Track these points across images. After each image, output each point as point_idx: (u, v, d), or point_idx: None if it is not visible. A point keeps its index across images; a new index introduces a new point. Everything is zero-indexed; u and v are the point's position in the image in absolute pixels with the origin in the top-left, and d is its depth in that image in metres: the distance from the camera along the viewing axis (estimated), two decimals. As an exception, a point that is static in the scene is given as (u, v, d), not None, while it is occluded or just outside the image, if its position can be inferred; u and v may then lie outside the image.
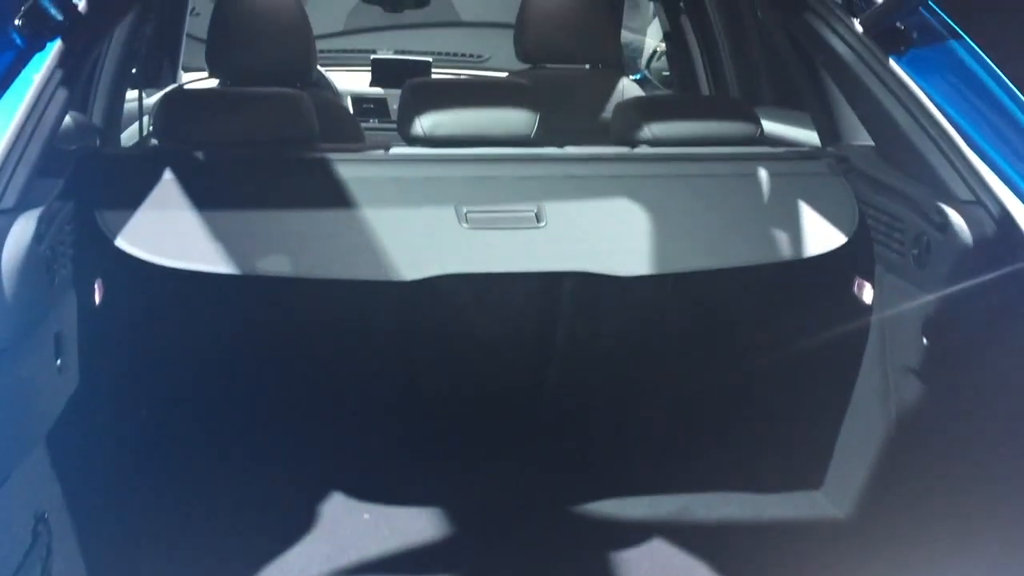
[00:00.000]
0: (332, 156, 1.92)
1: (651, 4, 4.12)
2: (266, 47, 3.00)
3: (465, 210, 1.86)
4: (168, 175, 1.85)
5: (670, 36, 3.54)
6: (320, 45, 4.96)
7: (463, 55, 4.92)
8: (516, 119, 2.09)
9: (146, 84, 4.09)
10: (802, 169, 2.14)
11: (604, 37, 3.33)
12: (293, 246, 1.80)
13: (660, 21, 3.62)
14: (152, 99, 3.82)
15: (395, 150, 2.05)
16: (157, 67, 3.94)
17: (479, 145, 2.06)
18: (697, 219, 2.00)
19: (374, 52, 4.88)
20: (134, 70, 4.36)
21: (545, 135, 3.32)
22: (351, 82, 4.58)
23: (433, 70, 4.62)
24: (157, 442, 2.18)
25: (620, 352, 2.19)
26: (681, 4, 3.42)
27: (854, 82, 2.07)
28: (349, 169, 1.90)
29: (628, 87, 3.38)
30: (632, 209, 1.97)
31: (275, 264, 1.77)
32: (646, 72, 4.83)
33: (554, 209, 1.90)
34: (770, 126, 3.12)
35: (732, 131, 2.21)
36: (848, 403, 2.10)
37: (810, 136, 2.61)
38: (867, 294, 2.04)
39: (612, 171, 2.04)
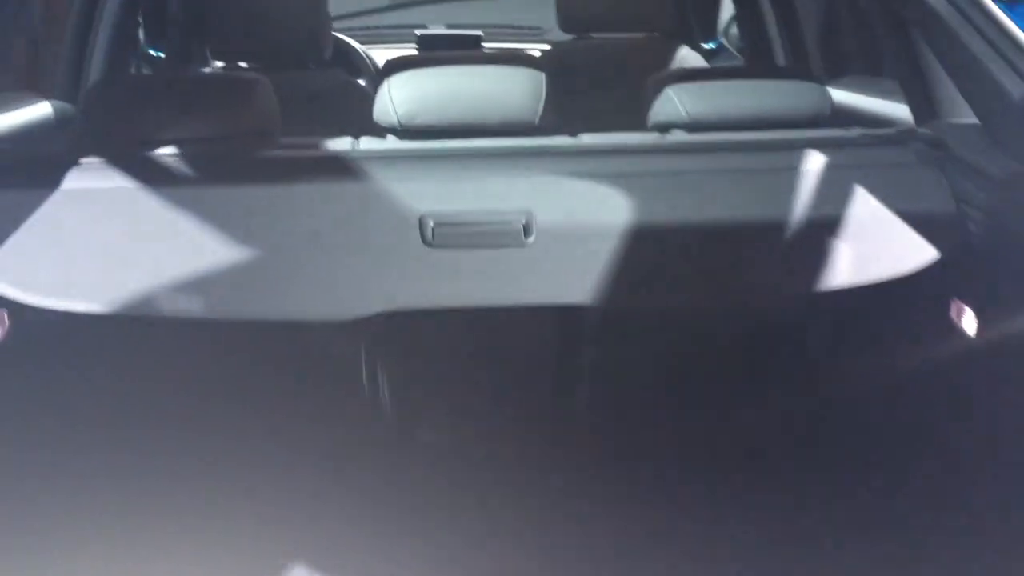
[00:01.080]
0: (278, 156, 1.55)
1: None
2: (268, 24, 2.65)
3: (432, 223, 1.46)
4: (64, 186, 1.50)
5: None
6: (366, 21, 4.66)
7: (518, 28, 4.51)
8: (515, 102, 1.67)
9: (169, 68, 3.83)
10: (882, 158, 1.65)
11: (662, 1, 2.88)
12: (200, 278, 1.43)
13: (727, -21, 3.13)
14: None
15: (364, 144, 1.66)
16: (184, 49, 3.63)
17: (468, 136, 1.65)
18: (743, 231, 1.55)
19: (424, 27, 4.52)
20: (156, 52, 4.12)
21: (576, 119, 2.86)
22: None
23: (484, 44, 4.24)
24: None
25: (641, 408, 1.73)
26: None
27: (954, 43, 1.60)
28: (294, 173, 1.52)
29: (689, 59, 2.92)
30: (657, 218, 1.53)
31: (173, 302, 1.40)
32: (722, 39, 4.32)
33: (549, 220, 1.48)
34: (848, 99, 2.62)
35: (790, 110, 1.74)
36: (938, 465, 1.61)
37: (899, 111, 2.12)
38: (968, 322, 1.55)
39: (631, 166, 1.60)
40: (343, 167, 1.54)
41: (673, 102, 1.75)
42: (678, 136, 1.74)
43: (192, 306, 1.39)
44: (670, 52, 2.92)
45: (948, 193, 1.59)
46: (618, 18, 2.88)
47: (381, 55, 4.27)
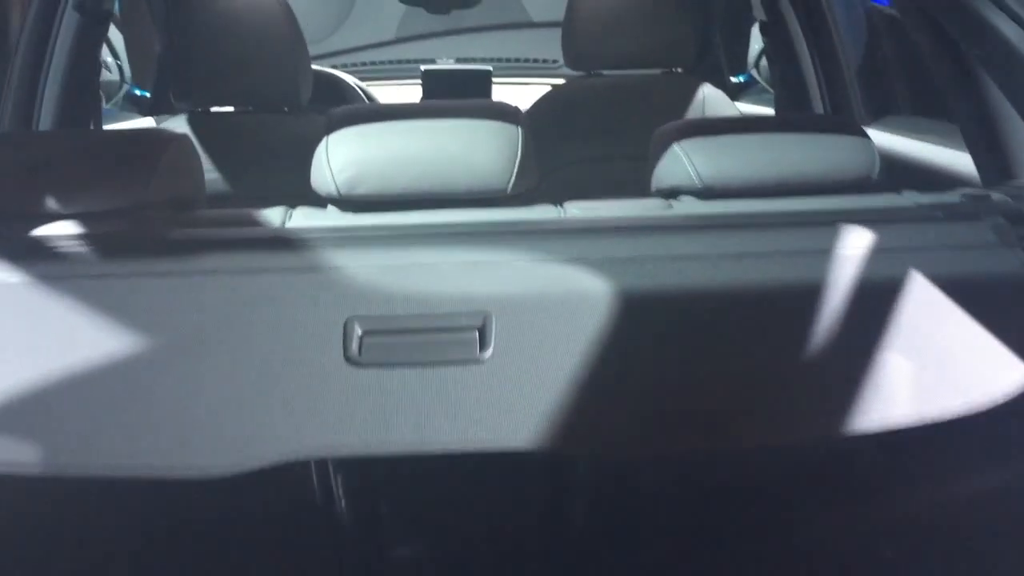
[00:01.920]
0: (173, 238, 1.21)
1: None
2: (237, 67, 2.34)
3: (359, 331, 1.11)
4: None
5: (768, 27, 2.71)
6: (370, 56, 4.38)
7: (531, 60, 4.21)
8: (482, 166, 1.34)
9: (154, 109, 3.56)
10: (947, 238, 1.28)
11: (678, 32, 2.53)
12: (56, 422, 1.08)
13: (754, 8, 2.79)
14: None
15: (295, 218, 1.33)
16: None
17: (423, 207, 1.32)
18: (765, 341, 1.17)
19: (432, 62, 4.23)
20: (141, 92, 3.85)
21: (580, 169, 2.50)
22: (401, 98, 3.94)
23: (494, 80, 3.93)
24: None
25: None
26: (779, -13, 2.58)
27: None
28: (189, 260, 1.18)
29: (713, 98, 2.57)
30: (654, 324, 1.16)
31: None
32: (753, 72, 3.97)
33: (513, 325, 1.12)
34: (893, 145, 2.26)
35: (827, 171, 1.39)
36: None
37: (958, 163, 1.76)
38: None
39: (626, 249, 1.24)
40: (255, 252, 1.20)
41: (681, 161, 1.40)
42: (687, 205, 1.39)
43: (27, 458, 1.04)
44: (691, 90, 2.58)
45: None
46: (632, 53, 2.54)
47: (385, 92, 3.99)
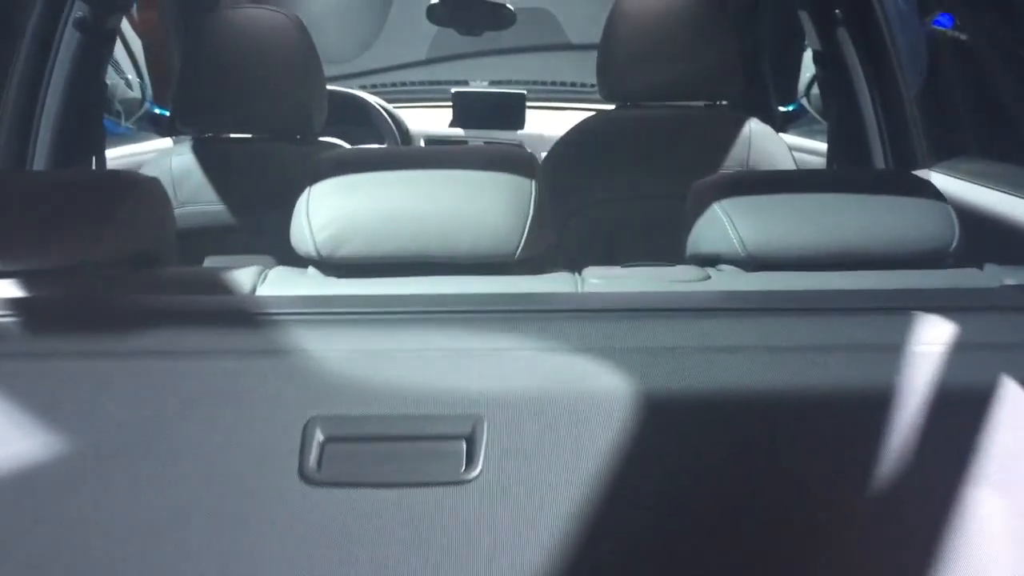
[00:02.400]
0: (118, 307, 1.03)
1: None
2: (244, 92, 2.18)
3: (320, 438, 0.90)
4: None
5: (822, 56, 2.49)
6: (401, 76, 4.21)
7: (568, 84, 4.01)
8: (484, 226, 1.14)
9: (172, 130, 3.42)
10: None
11: (722, 62, 2.32)
12: None
13: (808, 36, 2.57)
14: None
15: (268, 281, 1.14)
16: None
17: (415, 273, 1.13)
18: (819, 464, 0.93)
19: (465, 83, 4.06)
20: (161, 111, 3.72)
21: (608, 216, 2.32)
22: (430, 121, 3.76)
23: (529, 104, 3.75)
24: None
25: None
26: (837, 12, 2.36)
27: None
28: (132, 341, 0.98)
29: (758, 133, 2.36)
30: (683, 437, 0.93)
31: None
32: (803, 102, 3.74)
33: (508, 435, 0.90)
34: (968, 195, 2.02)
35: (896, 241, 1.17)
36: None
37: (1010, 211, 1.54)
38: None
39: (651, 338, 0.99)
40: (207, 329, 1.00)
41: (722, 225, 1.19)
42: (728, 278, 1.18)
43: None
44: (736, 125, 2.37)
45: None
46: (672, 84, 2.34)
47: (415, 115, 3.82)
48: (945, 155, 2.35)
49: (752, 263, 1.18)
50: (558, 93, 4.07)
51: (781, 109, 3.65)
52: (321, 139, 3.49)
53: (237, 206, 2.25)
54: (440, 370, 0.95)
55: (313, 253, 1.15)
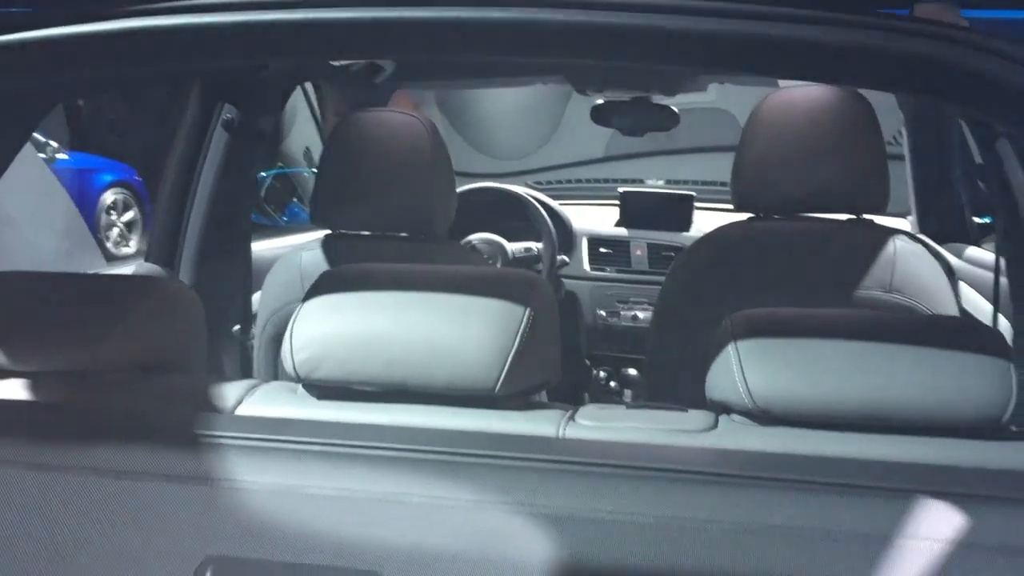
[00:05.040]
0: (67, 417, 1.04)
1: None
2: (369, 191, 2.25)
3: None
4: None
5: (985, 170, 2.24)
6: (574, 174, 4.23)
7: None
8: (460, 357, 1.08)
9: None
10: None
11: (865, 171, 2.14)
12: None
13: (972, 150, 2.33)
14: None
15: (256, 398, 1.12)
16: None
17: (391, 400, 1.08)
18: None
19: (641, 182, 4.03)
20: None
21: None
22: (597, 220, 3.74)
23: (699, 205, 3.66)
24: None
25: None
26: (1000, 129, 2.12)
27: None
28: (75, 455, 0.99)
29: (904, 251, 2.15)
30: None
31: None
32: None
33: None
34: None
35: (936, 404, 0.99)
36: None
37: None
38: None
39: (611, 503, 0.89)
40: (154, 448, 0.97)
41: (731, 368, 1.07)
42: (735, 430, 1.05)
43: None
44: (879, 241, 2.17)
45: None
46: (809, 197, 2.18)
47: (584, 212, 3.82)
48: None
49: (763, 417, 1.05)
50: (721, 193, 3.96)
51: (976, 220, 3.34)
52: (475, 235, 3.54)
53: None
54: (351, 516, 0.90)
55: (292, 373, 1.13)
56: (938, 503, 0.87)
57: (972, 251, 3.13)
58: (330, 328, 1.13)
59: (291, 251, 2.44)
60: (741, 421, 1.08)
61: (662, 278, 3.59)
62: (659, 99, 3.20)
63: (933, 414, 1.00)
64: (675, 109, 3.19)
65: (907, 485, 0.91)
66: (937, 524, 0.86)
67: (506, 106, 4.26)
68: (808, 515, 0.89)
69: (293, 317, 1.15)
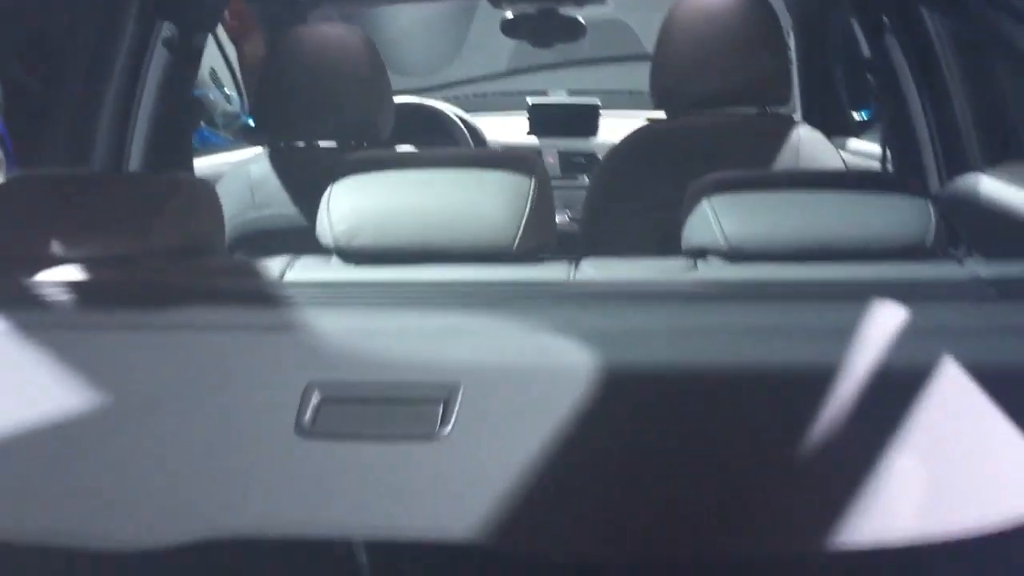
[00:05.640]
0: (157, 283, 1.18)
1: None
2: (314, 103, 2.36)
3: (317, 400, 1.02)
4: None
5: (872, 65, 2.52)
6: (481, 88, 4.37)
7: (644, 93, 4.09)
8: (482, 220, 1.26)
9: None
10: (996, 320, 1.11)
11: (772, 68, 2.38)
12: None
13: (861, 41, 2.60)
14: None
15: (296, 269, 1.28)
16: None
17: (423, 262, 1.26)
18: (765, 434, 1.03)
19: (544, 93, 4.19)
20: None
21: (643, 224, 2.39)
22: (507, 130, 3.90)
23: (604, 112, 3.85)
24: None
25: None
26: (885, 19, 2.39)
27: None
28: (163, 316, 1.14)
29: (807, 140, 2.41)
30: (644, 407, 1.02)
31: None
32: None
33: (483, 401, 1.02)
34: (1015, 199, 2.04)
35: (872, 235, 1.23)
36: None
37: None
38: None
39: (625, 320, 1.11)
40: (229, 307, 1.16)
41: (708, 219, 1.28)
42: (713, 268, 1.27)
43: None
44: (784, 132, 2.42)
45: None
46: (722, 91, 2.40)
47: (494, 123, 3.96)
48: (999, 158, 2.35)
49: (735, 255, 1.27)
50: (634, 102, 4.15)
51: (855, 116, 3.66)
52: (397, 147, 3.66)
53: (307, 210, 2.43)
54: (425, 344, 1.08)
55: (331, 243, 1.29)
56: (880, 303, 1.12)
57: (855, 143, 3.44)
58: (364, 202, 1.29)
59: (239, 165, 2.54)
60: (715, 262, 1.30)
61: (574, 182, 3.81)
62: (566, 11, 3.35)
63: (873, 243, 1.24)
64: (582, 20, 3.36)
65: (844, 293, 1.15)
66: (879, 320, 1.10)
67: (413, 23, 4.35)
68: (783, 319, 1.11)
69: (326, 198, 1.30)
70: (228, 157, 3.42)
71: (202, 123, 6.45)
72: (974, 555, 0.91)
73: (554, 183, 3.94)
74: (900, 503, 0.91)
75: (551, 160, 3.80)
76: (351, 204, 1.29)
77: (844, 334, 1.07)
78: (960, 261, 1.25)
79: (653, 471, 0.98)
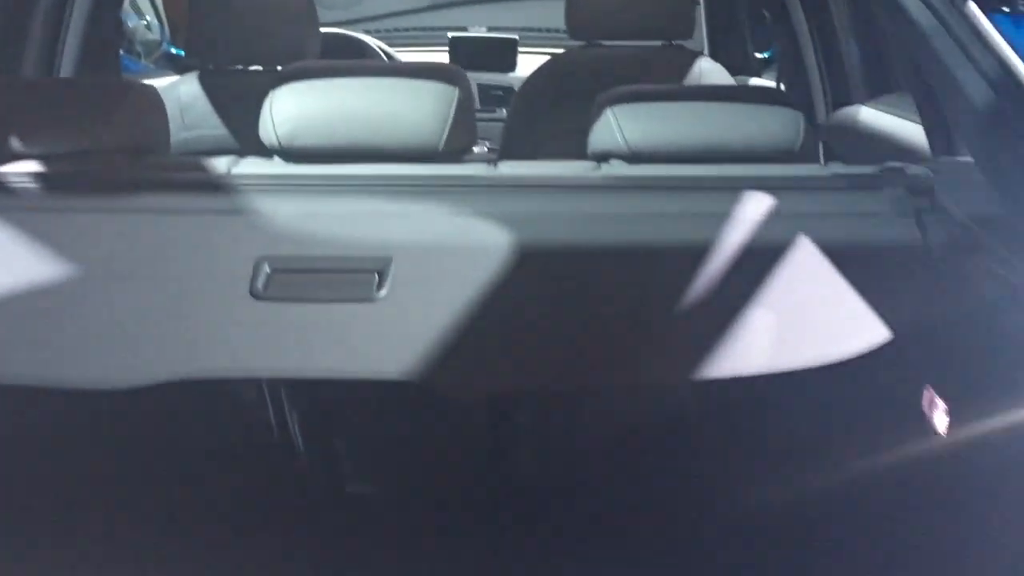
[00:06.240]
0: (122, 177, 1.32)
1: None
2: (242, 28, 2.46)
3: (268, 270, 1.21)
4: None
5: (770, 6, 2.73)
6: (403, 23, 4.47)
7: (559, 31, 4.25)
8: (413, 123, 1.42)
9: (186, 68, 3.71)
10: (844, 207, 1.34)
11: (678, 4, 2.58)
12: None
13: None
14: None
15: (240, 166, 1.42)
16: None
17: (358, 160, 1.41)
18: (650, 294, 1.25)
19: (464, 29, 4.31)
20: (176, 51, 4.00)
21: (558, 138, 2.57)
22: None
23: (523, 49, 4.00)
24: None
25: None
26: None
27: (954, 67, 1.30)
28: (124, 197, 1.29)
29: (707, 71, 2.61)
30: (552, 277, 1.24)
31: None
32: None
33: (411, 271, 1.21)
34: (881, 123, 2.28)
35: (750, 141, 1.43)
36: None
37: (911, 136, 1.80)
38: (940, 418, 1.23)
39: (534, 207, 1.32)
40: (186, 194, 1.31)
41: (611, 126, 1.47)
42: (614, 169, 1.46)
43: None
44: (688, 63, 2.61)
45: (925, 254, 1.26)
46: (631, 24, 2.59)
47: (414, 58, 4.07)
48: (879, 92, 2.59)
49: (634, 158, 1.46)
50: (552, 40, 4.30)
51: (757, 55, 3.89)
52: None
53: (236, 131, 2.53)
54: (362, 225, 1.25)
55: (275, 143, 1.44)
56: (751, 194, 1.32)
57: (756, 81, 3.66)
58: (304, 106, 1.43)
59: (168, 86, 2.62)
60: (617, 163, 1.48)
61: (492, 115, 3.96)
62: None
63: (751, 147, 1.45)
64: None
65: (721, 186, 1.36)
66: (749, 207, 1.31)
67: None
68: (670, 207, 1.32)
69: (268, 102, 1.44)
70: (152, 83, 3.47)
71: (120, 51, 6.36)
72: (809, 385, 1.14)
73: (474, 115, 4.09)
74: (755, 345, 1.13)
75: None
76: (293, 107, 1.43)
77: (722, 218, 1.28)
78: (823, 163, 1.47)
79: (556, 326, 1.18)
